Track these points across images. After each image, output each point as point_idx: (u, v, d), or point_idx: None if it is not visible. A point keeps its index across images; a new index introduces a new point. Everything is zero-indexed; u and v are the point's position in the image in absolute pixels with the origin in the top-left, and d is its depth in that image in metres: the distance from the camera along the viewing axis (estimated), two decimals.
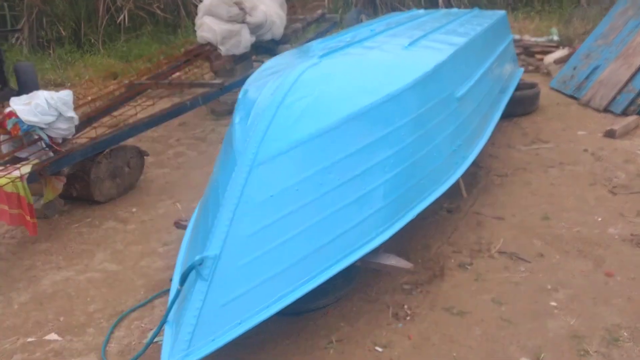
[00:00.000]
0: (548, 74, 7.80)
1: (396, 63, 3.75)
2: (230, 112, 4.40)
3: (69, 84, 8.52)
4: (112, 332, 3.06)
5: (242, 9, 6.42)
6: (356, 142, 3.01)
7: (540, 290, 3.21)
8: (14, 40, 10.64)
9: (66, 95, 4.18)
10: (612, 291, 3.17)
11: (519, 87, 6.15)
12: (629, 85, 6.14)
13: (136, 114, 5.08)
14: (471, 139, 4.18)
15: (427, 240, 3.76)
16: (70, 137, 4.33)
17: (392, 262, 3.04)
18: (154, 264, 3.72)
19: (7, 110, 4.08)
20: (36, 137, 4.11)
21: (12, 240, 4.16)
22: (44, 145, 4.14)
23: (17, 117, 3.99)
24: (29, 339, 3.06)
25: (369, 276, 3.34)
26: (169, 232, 4.05)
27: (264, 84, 3.29)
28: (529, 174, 4.73)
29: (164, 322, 2.66)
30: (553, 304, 3.10)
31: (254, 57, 7.05)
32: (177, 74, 6.41)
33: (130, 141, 5.16)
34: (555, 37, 9.30)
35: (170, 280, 3.07)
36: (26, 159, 4.12)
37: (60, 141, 4.25)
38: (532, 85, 6.47)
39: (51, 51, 10.42)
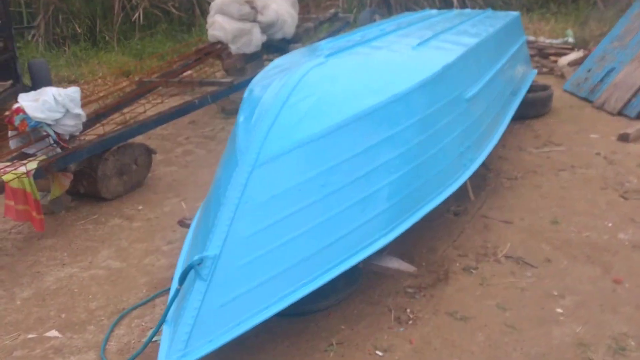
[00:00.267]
0: (562, 76, 7.71)
1: (404, 63, 3.71)
2: None
3: (82, 81, 8.58)
4: (112, 330, 3.05)
5: (253, 7, 6.41)
6: (360, 143, 2.98)
7: (546, 296, 3.15)
8: (30, 37, 10.73)
9: (74, 92, 4.19)
10: (620, 299, 3.10)
11: (531, 89, 6.09)
12: None
13: (144, 112, 5.07)
14: (480, 140, 4.12)
15: (433, 242, 3.72)
16: (77, 133, 4.34)
17: (395, 265, 3.01)
18: (157, 262, 3.71)
19: (15, 106, 4.09)
20: (44, 133, 4.13)
21: (19, 236, 4.18)
22: (51, 142, 4.15)
23: (25, 113, 4.01)
24: (30, 335, 3.06)
25: (372, 278, 3.30)
26: (174, 230, 4.04)
27: (269, 83, 3.26)
28: (539, 177, 4.66)
29: (162, 321, 2.64)
30: (559, 310, 3.04)
31: (265, 57, 7.04)
32: (189, 72, 6.41)
33: (139, 139, 5.16)
34: (571, 39, 9.20)
35: (172, 278, 3.06)
36: (33, 155, 4.13)
37: (67, 138, 4.26)
38: (545, 87, 6.39)
39: (66, 48, 10.49)
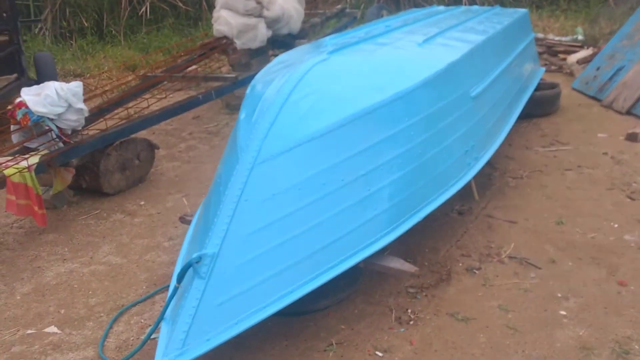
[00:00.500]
0: (571, 74, 7.62)
1: (408, 60, 3.67)
2: None
3: (87, 75, 8.57)
4: (111, 327, 3.03)
5: (259, 2, 6.36)
6: (362, 141, 2.94)
7: (549, 298, 3.11)
8: (37, 31, 10.72)
9: (76, 86, 4.17)
10: (625, 301, 3.06)
11: (539, 87, 6.02)
12: None
13: (148, 107, 5.05)
14: (486, 139, 4.08)
15: (436, 242, 3.68)
16: (80, 128, 4.32)
17: (396, 265, 2.97)
18: (158, 258, 3.69)
19: (18, 100, 4.08)
20: (46, 127, 4.11)
21: (20, 230, 4.17)
22: (53, 136, 4.14)
23: (27, 107, 3.99)
24: (29, 331, 3.05)
25: (373, 278, 3.27)
26: (175, 226, 4.02)
27: (271, 80, 3.23)
28: (545, 177, 4.61)
29: (160, 319, 2.63)
30: (562, 312, 2.99)
31: (270, 52, 7.00)
32: (193, 67, 6.38)
33: (143, 134, 5.16)
34: (580, 37, 9.09)
35: (172, 275, 3.03)
36: (35, 149, 4.12)
37: (69, 132, 4.24)
38: (553, 86, 6.32)
39: (73, 42, 10.48)
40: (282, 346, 2.83)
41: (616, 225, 3.81)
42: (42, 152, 4.05)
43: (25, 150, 4.15)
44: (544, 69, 6.71)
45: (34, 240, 4.01)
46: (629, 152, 5.02)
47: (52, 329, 3.06)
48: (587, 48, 8.20)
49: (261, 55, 6.67)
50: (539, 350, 2.73)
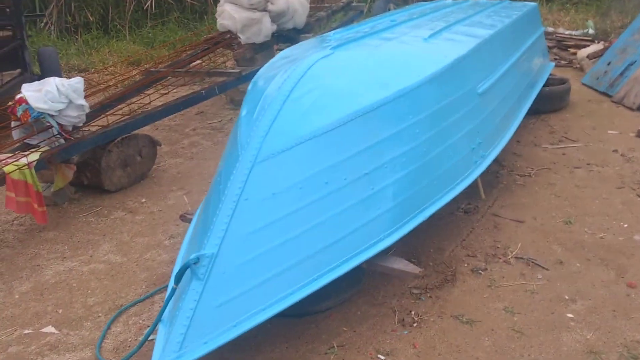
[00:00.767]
0: (581, 69, 7.52)
1: (414, 56, 3.59)
2: None
3: (92, 69, 8.53)
4: (109, 328, 2.99)
5: None
6: (365, 139, 2.87)
7: (556, 300, 3.04)
8: (42, 26, 10.69)
9: (77, 82, 4.11)
10: (634, 304, 2.98)
11: (548, 83, 5.93)
12: None
13: (149, 103, 4.99)
14: (493, 136, 4.00)
15: (441, 242, 3.61)
16: (80, 124, 4.27)
17: (400, 266, 2.90)
18: (158, 257, 3.64)
19: (18, 96, 4.03)
20: (47, 124, 4.06)
21: (20, 228, 4.13)
22: (54, 133, 4.09)
23: (27, 103, 3.95)
24: (26, 331, 3.01)
25: (376, 278, 3.21)
26: (176, 224, 3.97)
27: (273, 76, 3.16)
28: (553, 175, 4.52)
29: (158, 320, 2.58)
30: (570, 315, 2.92)
31: (276, 46, 6.92)
32: (198, 62, 6.31)
33: (146, 129, 5.10)
34: (591, 31, 8.97)
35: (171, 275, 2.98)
36: (36, 146, 4.08)
37: (70, 129, 4.19)
38: (563, 81, 6.22)
39: (78, 36, 10.44)
40: (282, 348, 2.78)
41: (626, 225, 3.73)
42: (43, 149, 4.01)
43: (26, 147, 4.11)
44: (553, 64, 6.60)
45: (34, 237, 3.97)
46: (639, 149, 4.92)
47: (50, 329, 3.02)
48: (598, 42, 8.07)
49: (266, 49, 6.59)
50: (545, 354, 2.66)
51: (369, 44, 3.66)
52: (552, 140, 5.24)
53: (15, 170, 3.72)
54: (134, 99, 5.09)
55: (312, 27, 7.23)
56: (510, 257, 3.43)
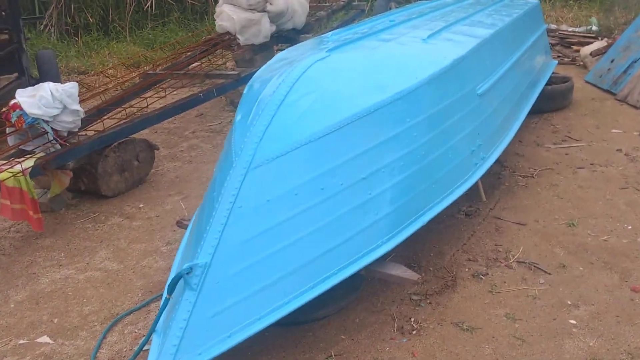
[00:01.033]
0: (584, 66, 7.43)
1: (412, 57, 3.53)
2: None
3: (92, 72, 8.49)
4: (104, 337, 2.94)
5: None
6: (362, 143, 2.82)
7: (559, 306, 2.98)
8: (42, 28, 10.65)
9: (71, 87, 4.07)
10: (638, 309, 2.92)
11: (551, 81, 5.85)
12: None
13: (147, 106, 4.95)
14: (494, 138, 3.94)
15: (441, 245, 3.55)
16: (76, 130, 4.22)
17: (398, 272, 2.84)
18: (155, 264, 3.60)
19: (13, 102, 3.99)
20: (42, 130, 4.02)
21: (17, 235, 4.09)
22: (49, 139, 4.05)
23: (21, 109, 3.90)
24: (21, 341, 2.97)
25: (375, 284, 3.16)
26: (174, 230, 3.93)
27: (269, 79, 3.11)
28: (556, 175, 4.46)
29: (152, 331, 2.54)
30: (572, 321, 2.86)
31: (276, 47, 6.86)
32: (197, 63, 6.25)
33: (145, 133, 5.06)
34: (595, 27, 8.87)
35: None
36: (31, 152, 4.04)
37: (65, 134, 4.15)
38: (566, 79, 6.14)
39: (78, 38, 10.41)
40: (279, 357, 2.73)
41: (630, 227, 3.66)
42: (38, 155, 3.97)
43: (21, 153, 4.06)
44: (556, 61, 6.53)
45: (30, 245, 3.93)
46: None
47: (45, 339, 2.98)
48: (602, 39, 7.97)
49: (265, 50, 6.53)
50: None
51: (366, 46, 3.60)
52: (555, 139, 5.17)
53: (10, 177, 3.68)
54: (131, 102, 5.04)
55: (312, 27, 7.17)
56: (511, 261, 3.38)
